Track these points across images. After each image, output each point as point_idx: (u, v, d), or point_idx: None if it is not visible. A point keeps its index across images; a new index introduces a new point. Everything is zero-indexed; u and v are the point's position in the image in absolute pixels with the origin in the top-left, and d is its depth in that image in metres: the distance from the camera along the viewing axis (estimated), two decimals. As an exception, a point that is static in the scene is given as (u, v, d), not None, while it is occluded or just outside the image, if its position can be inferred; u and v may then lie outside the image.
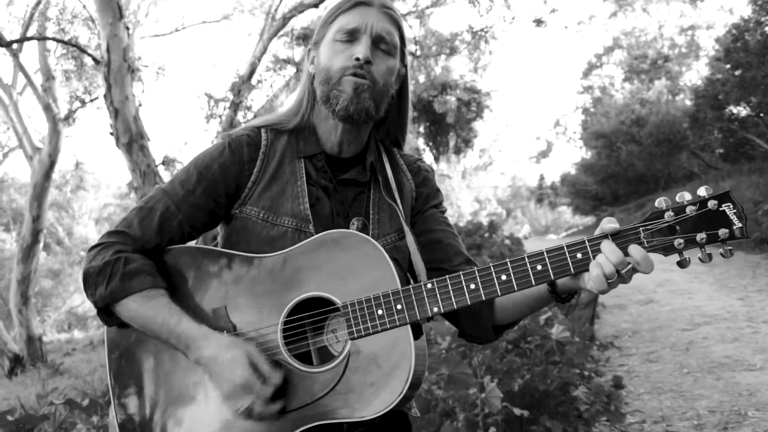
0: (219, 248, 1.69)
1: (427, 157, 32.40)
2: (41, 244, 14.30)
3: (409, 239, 1.73)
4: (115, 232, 1.66)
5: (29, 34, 13.30)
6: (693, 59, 34.66)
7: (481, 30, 12.39)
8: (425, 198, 1.84)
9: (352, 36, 1.66)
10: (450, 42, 16.79)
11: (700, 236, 1.33)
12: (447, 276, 1.51)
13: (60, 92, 14.32)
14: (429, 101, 21.71)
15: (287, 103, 2.29)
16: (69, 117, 14.52)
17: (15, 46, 13.65)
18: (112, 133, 9.45)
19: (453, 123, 26.37)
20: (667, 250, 1.37)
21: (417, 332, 1.60)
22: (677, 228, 1.36)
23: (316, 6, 11.23)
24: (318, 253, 1.58)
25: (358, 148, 1.77)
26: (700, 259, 1.36)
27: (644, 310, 9.26)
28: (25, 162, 15.14)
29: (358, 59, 1.63)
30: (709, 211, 1.34)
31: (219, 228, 1.80)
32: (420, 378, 1.58)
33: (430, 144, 31.52)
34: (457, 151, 32.07)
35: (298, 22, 13.61)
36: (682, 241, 1.35)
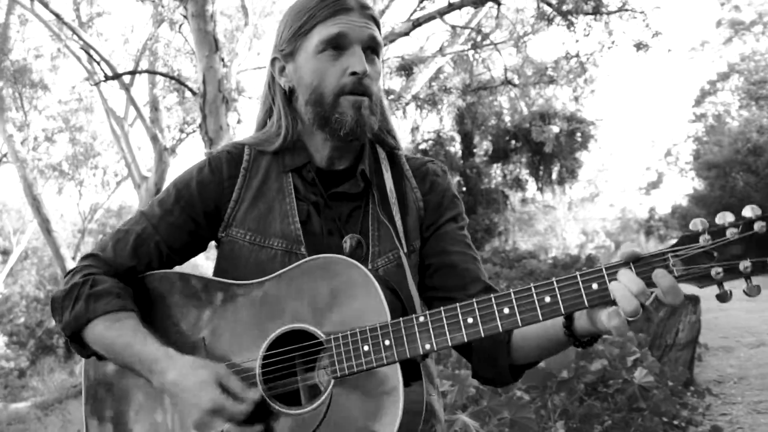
0: (201, 275, 1.54)
1: (531, 188, 31.62)
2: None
3: (404, 263, 1.50)
4: (88, 255, 1.55)
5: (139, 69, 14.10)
6: (819, 84, 32.21)
7: (576, 56, 11.94)
8: (436, 207, 1.61)
9: (339, 47, 1.47)
10: (550, 69, 16.38)
11: (744, 264, 1.06)
12: (442, 308, 1.29)
13: (164, 123, 15.03)
14: (528, 130, 21.27)
15: (257, 119, 2.10)
16: (174, 147, 15.19)
17: (127, 80, 14.49)
18: (206, 162, 9.74)
19: (555, 153, 25.63)
20: (701, 280, 1.10)
21: (415, 372, 1.38)
22: (714, 254, 1.08)
23: (407, 34, 11.19)
24: (302, 281, 1.40)
25: (352, 160, 1.58)
26: (745, 292, 1.08)
27: (754, 354, 8.44)
28: (133, 190, 15.92)
29: (354, 73, 1.45)
30: (755, 234, 1.06)
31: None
32: (415, 427, 1.36)
33: (533, 175, 30.79)
34: (561, 181, 31.18)
35: (390, 52, 13.65)
36: (720, 270, 1.07)
